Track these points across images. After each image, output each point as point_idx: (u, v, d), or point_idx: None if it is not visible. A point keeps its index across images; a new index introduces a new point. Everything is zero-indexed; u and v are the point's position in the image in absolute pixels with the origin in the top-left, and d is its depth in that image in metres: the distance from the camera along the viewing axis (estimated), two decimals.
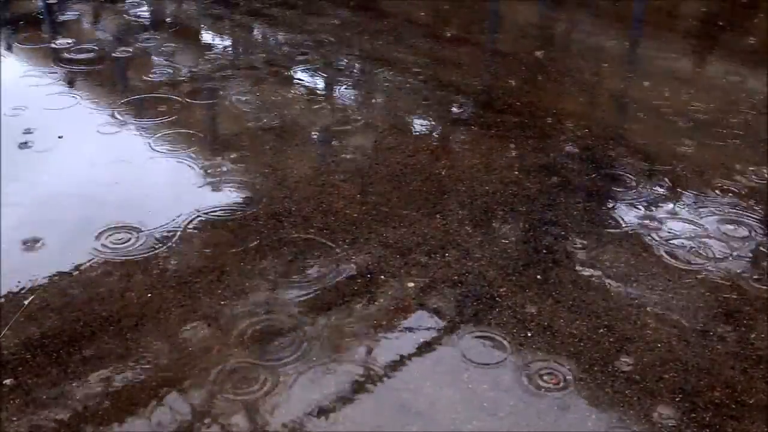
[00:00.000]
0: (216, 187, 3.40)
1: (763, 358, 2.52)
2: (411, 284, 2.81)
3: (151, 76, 4.53)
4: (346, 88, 4.57)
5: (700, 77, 4.89)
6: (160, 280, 2.79)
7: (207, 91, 4.40)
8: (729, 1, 6.43)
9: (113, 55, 4.86)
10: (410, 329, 2.59)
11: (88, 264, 2.87)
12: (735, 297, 2.81)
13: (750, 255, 3.06)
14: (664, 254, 3.03)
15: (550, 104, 4.32)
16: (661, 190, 3.48)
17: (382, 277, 2.84)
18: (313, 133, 3.96)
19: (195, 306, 2.67)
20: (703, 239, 3.14)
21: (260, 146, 3.78)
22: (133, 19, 5.58)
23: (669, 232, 3.17)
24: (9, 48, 5.02)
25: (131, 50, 4.92)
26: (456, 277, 2.85)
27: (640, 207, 3.35)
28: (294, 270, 2.87)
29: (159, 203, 3.29)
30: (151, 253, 2.94)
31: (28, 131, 3.84)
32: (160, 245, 2.98)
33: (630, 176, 3.59)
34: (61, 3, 5.79)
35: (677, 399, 2.34)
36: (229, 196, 3.35)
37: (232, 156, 3.66)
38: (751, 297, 2.81)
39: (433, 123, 4.12)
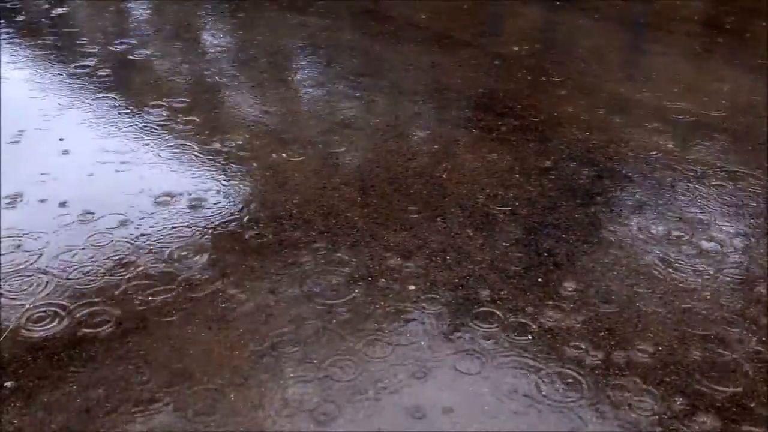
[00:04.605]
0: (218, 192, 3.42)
1: (766, 361, 2.51)
2: (412, 287, 2.81)
3: None
4: (346, 90, 4.58)
5: (702, 80, 4.89)
6: (161, 283, 2.80)
7: (209, 96, 4.41)
8: (730, 3, 6.43)
9: None
10: (411, 332, 2.59)
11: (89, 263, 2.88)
12: (736, 299, 2.81)
13: (751, 257, 3.06)
14: (665, 256, 3.03)
15: (551, 107, 4.32)
16: (662, 192, 3.48)
17: (383, 280, 2.84)
18: (313, 135, 3.96)
19: (196, 309, 2.67)
20: (704, 241, 3.14)
21: (261, 148, 3.78)
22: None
23: (670, 234, 3.17)
24: None
25: None
26: (457, 280, 2.85)
27: (641, 209, 3.35)
28: (295, 272, 2.87)
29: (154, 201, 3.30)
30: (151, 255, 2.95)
31: None
32: (162, 248, 2.99)
33: (631, 178, 3.59)
34: None
35: (679, 402, 2.34)
36: (230, 198, 3.35)
37: (232, 158, 3.67)
38: (753, 299, 2.81)
39: (434, 126, 4.12)
